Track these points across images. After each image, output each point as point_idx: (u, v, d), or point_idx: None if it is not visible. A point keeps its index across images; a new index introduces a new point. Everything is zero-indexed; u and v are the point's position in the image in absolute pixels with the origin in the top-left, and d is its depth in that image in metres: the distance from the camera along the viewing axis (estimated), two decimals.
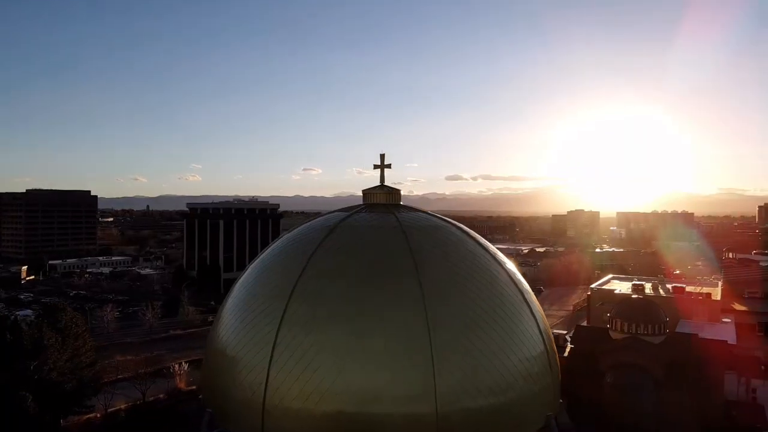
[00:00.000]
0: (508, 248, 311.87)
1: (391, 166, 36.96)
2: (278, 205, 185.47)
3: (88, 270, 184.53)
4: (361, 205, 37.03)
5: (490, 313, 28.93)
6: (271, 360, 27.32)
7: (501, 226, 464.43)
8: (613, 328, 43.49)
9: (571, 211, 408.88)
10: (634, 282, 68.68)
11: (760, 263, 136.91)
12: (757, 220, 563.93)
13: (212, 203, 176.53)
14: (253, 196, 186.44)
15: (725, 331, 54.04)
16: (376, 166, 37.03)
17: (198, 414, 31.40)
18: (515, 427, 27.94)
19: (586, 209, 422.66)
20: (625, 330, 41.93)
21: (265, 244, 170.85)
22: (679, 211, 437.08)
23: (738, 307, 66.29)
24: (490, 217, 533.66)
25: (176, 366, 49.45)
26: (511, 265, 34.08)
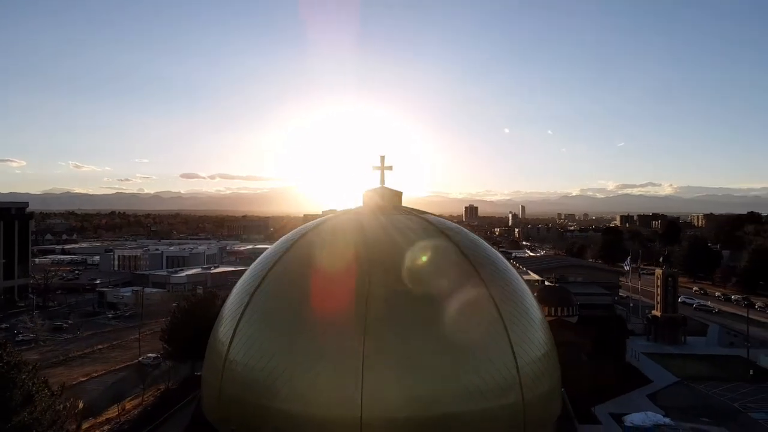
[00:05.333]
0: None
1: (393, 168, 37.03)
2: (26, 203, 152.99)
3: None
4: (357, 207, 36.49)
5: (533, 308, 32.28)
6: (363, 371, 25.77)
7: (255, 225, 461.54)
8: None
9: (325, 211, 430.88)
10: None
11: (514, 254, 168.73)
12: (464, 218, 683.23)
13: None
14: None
15: None
16: (375, 168, 36.76)
17: None
18: (558, 403, 31.86)
19: (333, 209, 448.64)
20: (551, 313, 49.58)
21: (10, 250, 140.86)
22: None
23: None
24: (245, 216, 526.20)
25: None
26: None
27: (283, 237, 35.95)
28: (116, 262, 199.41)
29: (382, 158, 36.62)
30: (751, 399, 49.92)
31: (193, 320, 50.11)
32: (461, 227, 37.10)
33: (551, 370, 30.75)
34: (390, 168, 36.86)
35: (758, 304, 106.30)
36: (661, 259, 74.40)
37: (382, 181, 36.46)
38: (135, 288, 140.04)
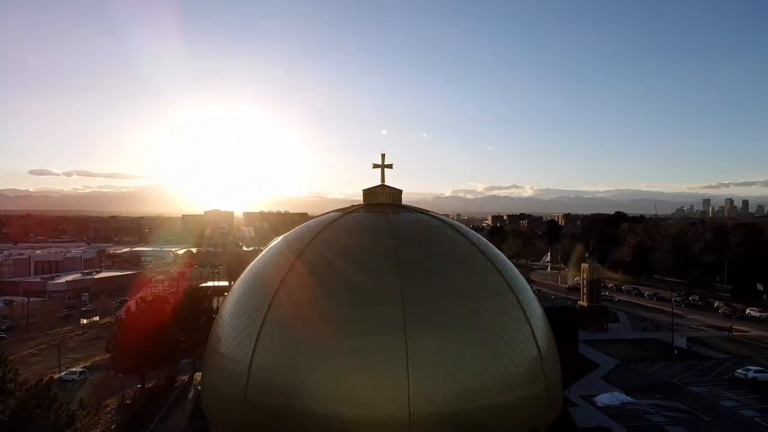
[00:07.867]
0: (155, 250, 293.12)
1: (392, 166, 37.20)
2: None
3: None
4: (359, 204, 36.29)
5: (535, 298, 34.24)
6: (409, 369, 25.77)
7: (126, 227, 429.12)
8: None
9: (208, 211, 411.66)
10: None
11: None
12: None
13: None
14: None
15: None
16: (375, 166, 36.65)
17: None
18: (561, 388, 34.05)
19: (213, 209, 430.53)
20: None
21: None
22: (283, 211, 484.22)
23: None
24: (114, 217, 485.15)
25: None
26: None
27: (287, 236, 34.42)
28: None
29: (383, 156, 36.50)
30: (684, 375, 57.17)
31: (142, 328, 45.73)
32: (461, 224, 38.10)
33: (557, 358, 32.76)
34: (390, 166, 36.85)
35: (647, 293, 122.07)
36: (586, 254, 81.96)
37: (383, 179, 36.35)
38: (7, 298, 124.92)
